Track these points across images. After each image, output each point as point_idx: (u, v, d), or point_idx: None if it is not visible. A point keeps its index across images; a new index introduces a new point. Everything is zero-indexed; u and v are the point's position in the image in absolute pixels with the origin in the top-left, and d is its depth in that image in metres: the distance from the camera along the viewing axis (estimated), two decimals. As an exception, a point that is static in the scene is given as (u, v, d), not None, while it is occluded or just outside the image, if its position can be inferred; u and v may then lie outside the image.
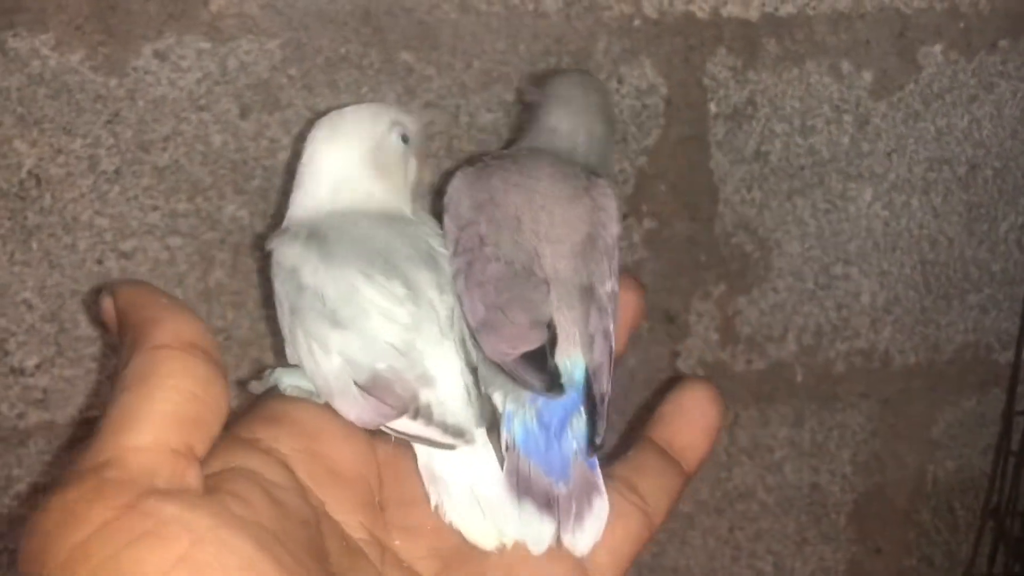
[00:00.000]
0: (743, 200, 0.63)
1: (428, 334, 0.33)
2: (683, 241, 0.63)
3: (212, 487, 0.27)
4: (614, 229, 0.37)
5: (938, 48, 0.64)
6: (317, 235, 0.34)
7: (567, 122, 0.41)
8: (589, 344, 0.34)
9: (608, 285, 0.36)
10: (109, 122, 0.53)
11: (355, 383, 0.31)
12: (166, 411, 0.27)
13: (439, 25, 0.56)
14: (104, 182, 0.54)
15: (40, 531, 0.24)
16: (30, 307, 0.55)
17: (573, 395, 0.33)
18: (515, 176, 0.37)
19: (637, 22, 0.59)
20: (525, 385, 0.33)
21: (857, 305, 0.68)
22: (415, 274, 0.34)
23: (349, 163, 0.36)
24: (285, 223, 0.37)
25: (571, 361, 0.34)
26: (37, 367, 0.56)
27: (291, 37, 0.54)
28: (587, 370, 0.34)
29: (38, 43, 0.52)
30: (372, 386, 0.31)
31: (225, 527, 0.25)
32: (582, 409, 0.33)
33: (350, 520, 0.30)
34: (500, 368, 0.33)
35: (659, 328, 0.64)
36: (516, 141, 0.44)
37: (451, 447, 0.32)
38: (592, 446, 0.33)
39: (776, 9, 0.61)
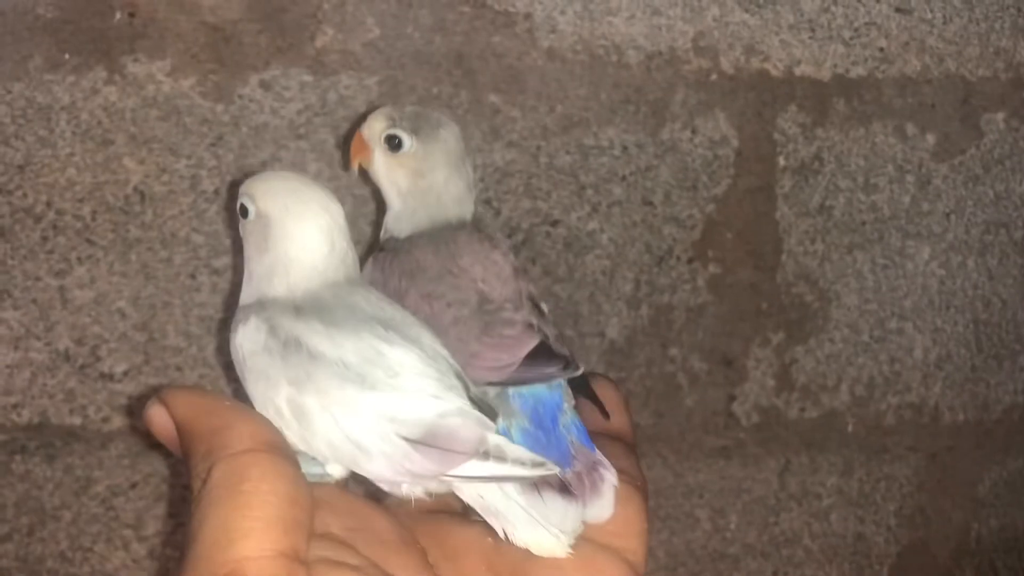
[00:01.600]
0: (806, 251, 0.65)
1: (453, 384, 0.34)
2: (746, 288, 0.65)
3: None
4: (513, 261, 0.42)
5: (1000, 116, 0.66)
6: (306, 308, 0.35)
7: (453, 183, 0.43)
8: (559, 341, 0.38)
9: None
10: (213, 145, 0.56)
11: (405, 439, 0.32)
12: (269, 517, 0.27)
13: (527, 70, 0.59)
14: (203, 201, 0.57)
15: None
16: (124, 316, 0.58)
17: (556, 387, 0.37)
18: (431, 248, 0.41)
19: (714, 76, 0.61)
20: (541, 379, 0.36)
21: (910, 360, 0.69)
22: (408, 331, 0.35)
23: (318, 242, 0.36)
24: (247, 301, 0.37)
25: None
26: (125, 374, 0.58)
27: (388, 75, 0.57)
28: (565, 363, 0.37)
29: (155, 68, 0.55)
30: (432, 437, 0.32)
31: None
32: (564, 402, 0.37)
33: None
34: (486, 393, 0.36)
35: (717, 371, 0.66)
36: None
37: (532, 478, 0.33)
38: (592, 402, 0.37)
39: (847, 71, 0.63)
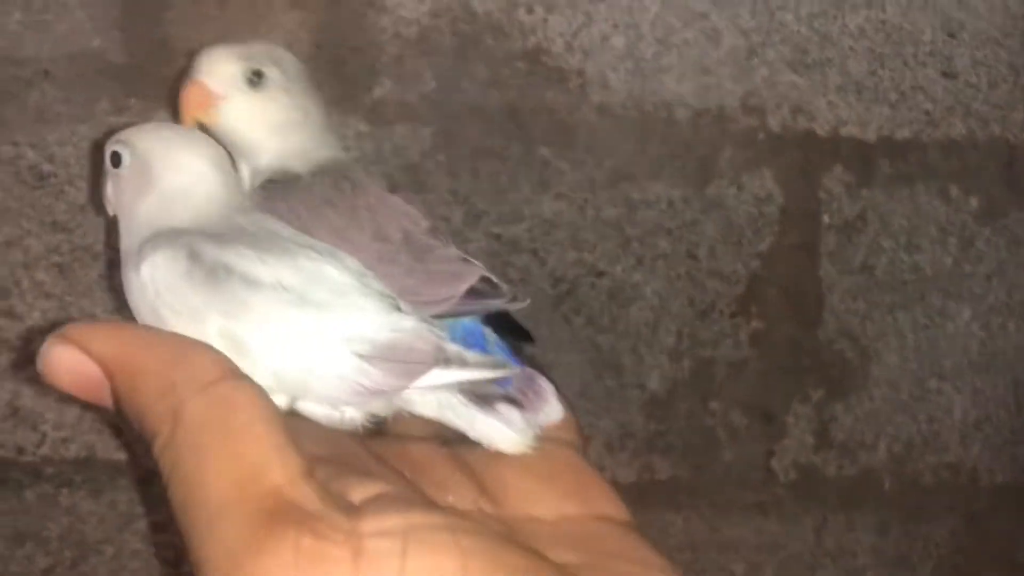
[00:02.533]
0: (848, 309, 0.66)
1: (391, 300, 0.33)
2: (788, 344, 0.65)
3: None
4: None
5: (1044, 180, 0.67)
6: (226, 235, 0.32)
7: None
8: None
9: None
10: (269, 190, 0.58)
11: (361, 357, 0.31)
12: (278, 442, 0.25)
13: (578, 125, 0.60)
14: (257, 244, 0.58)
15: None
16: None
17: (475, 318, 0.36)
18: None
19: (761, 135, 0.62)
20: (484, 310, 0.35)
21: (948, 420, 0.69)
22: (335, 253, 0.33)
23: (212, 169, 0.34)
24: (149, 234, 0.33)
25: None
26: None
27: (443, 126, 0.59)
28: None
29: (217, 115, 0.56)
30: (391, 351, 0.31)
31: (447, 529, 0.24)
32: (484, 327, 0.36)
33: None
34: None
35: (757, 426, 0.66)
36: None
37: (503, 377, 0.33)
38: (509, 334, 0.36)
39: (892, 132, 0.64)
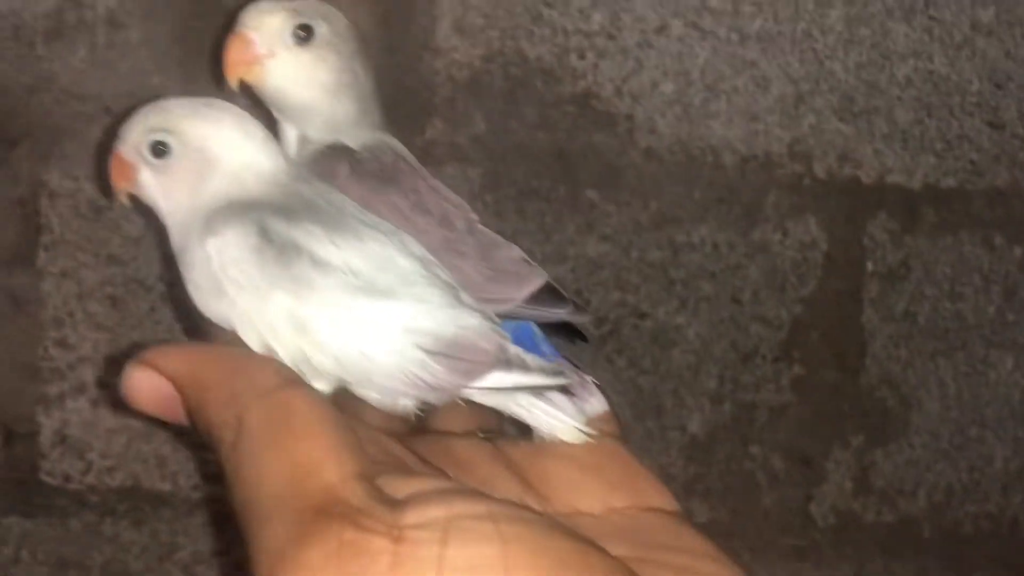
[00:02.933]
0: (890, 356, 0.66)
1: (457, 293, 0.32)
2: (829, 389, 0.65)
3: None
4: None
5: (1089, 230, 0.67)
6: (295, 209, 0.31)
7: None
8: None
9: None
10: (320, 227, 0.58)
11: (424, 351, 0.30)
12: (334, 444, 0.25)
13: (624, 168, 0.61)
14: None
15: None
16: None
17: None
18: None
19: (807, 181, 0.63)
20: (547, 318, 0.35)
21: (990, 469, 0.69)
22: (402, 238, 0.33)
23: (265, 140, 0.33)
24: (219, 206, 0.32)
25: None
26: (217, 443, 0.60)
27: (491, 168, 0.59)
28: None
29: (271, 152, 0.57)
30: (454, 348, 0.31)
31: (490, 519, 0.24)
32: (534, 325, 0.35)
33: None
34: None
35: (796, 471, 0.66)
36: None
37: (556, 386, 0.32)
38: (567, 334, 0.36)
39: (937, 181, 0.64)
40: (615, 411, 0.35)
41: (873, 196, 0.64)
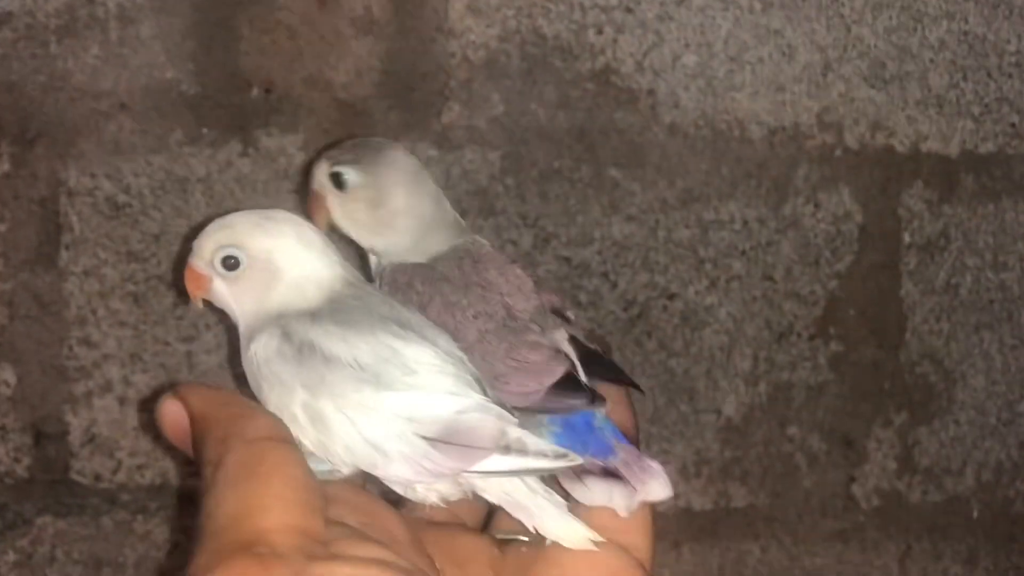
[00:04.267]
0: (931, 330, 0.63)
1: (469, 381, 0.33)
2: (868, 367, 0.63)
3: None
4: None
5: None
6: (322, 313, 0.34)
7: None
8: (587, 359, 0.36)
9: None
10: (339, 217, 0.58)
11: (424, 438, 0.32)
12: (287, 496, 0.27)
13: (648, 145, 0.59)
14: (328, 271, 0.58)
15: None
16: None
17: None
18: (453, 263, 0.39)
19: (838, 152, 0.61)
20: (565, 409, 0.35)
21: (1040, 445, 0.66)
22: (425, 332, 0.34)
23: (322, 252, 0.36)
24: (280, 312, 0.35)
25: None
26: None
27: (511, 150, 0.58)
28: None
29: (287, 142, 0.57)
30: (451, 434, 0.32)
31: None
32: (596, 408, 0.35)
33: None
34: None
35: (837, 452, 0.64)
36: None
37: (557, 470, 0.33)
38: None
39: (976, 147, 0.62)
40: (650, 519, 0.34)
41: (908, 165, 0.61)
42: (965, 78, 0.61)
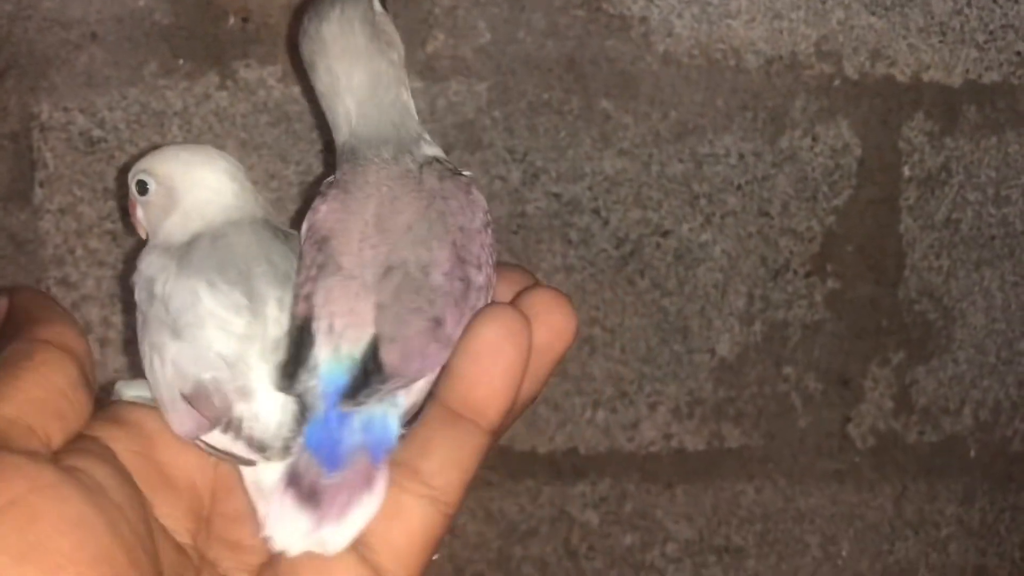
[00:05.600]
0: (930, 267, 0.62)
1: (260, 348, 0.31)
2: (865, 304, 0.62)
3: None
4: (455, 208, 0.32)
5: None
6: (183, 250, 0.33)
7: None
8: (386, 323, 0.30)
9: (443, 270, 0.31)
10: (322, 151, 0.56)
11: (180, 393, 0.30)
12: (31, 395, 0.28)
13: (640, 75, 0.57)
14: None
15: None
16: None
17: (343, 382, 0.30)
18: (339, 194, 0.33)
19: (837, 82, 0.59)
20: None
21: (1040, 384, 0.65)
22: (263, 288, 0.32)
23: (227, 181, 0.35)
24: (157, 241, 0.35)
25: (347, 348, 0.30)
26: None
27: (498, 81, 0.56)
28: (372, 349, 0.30)
29: (266, 74, 0.55)
30: (193, 396, 0.30)
31: (66, 485, 0.26)
32: (389, 408, 0.30)
33: (176, 526, 0.30)
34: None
35: (833, 391, 0.63)
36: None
37: (251, 463, 0.31)
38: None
39: (979, 76, 0.60)
40: (410, 553, 0.29)
41: (909, 95, 0.59)
42: (969, 4, 0.59)
